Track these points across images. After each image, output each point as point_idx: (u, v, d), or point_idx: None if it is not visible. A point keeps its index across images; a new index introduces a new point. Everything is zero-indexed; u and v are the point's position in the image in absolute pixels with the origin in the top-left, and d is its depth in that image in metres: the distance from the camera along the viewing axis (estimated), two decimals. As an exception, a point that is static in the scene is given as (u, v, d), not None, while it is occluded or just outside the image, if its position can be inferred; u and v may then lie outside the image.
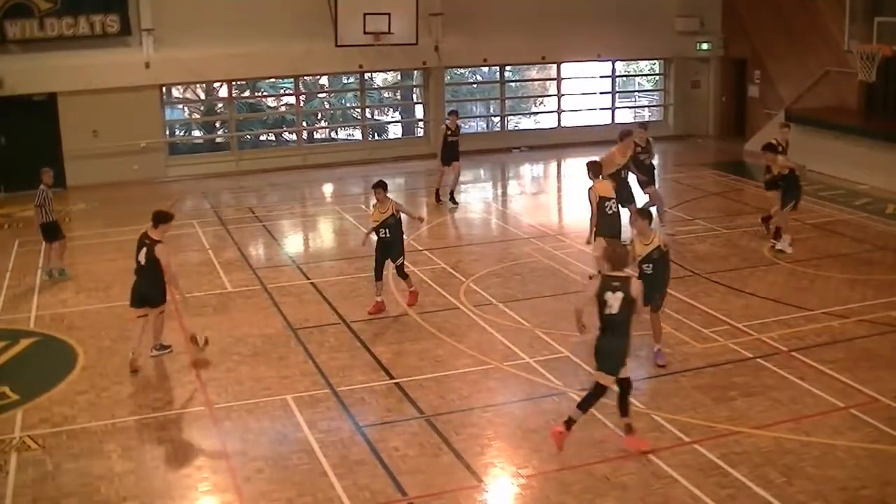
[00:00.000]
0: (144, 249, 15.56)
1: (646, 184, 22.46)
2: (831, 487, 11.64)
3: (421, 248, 22.00)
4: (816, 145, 29.10)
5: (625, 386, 12.55)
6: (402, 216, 18.03)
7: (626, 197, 20.37)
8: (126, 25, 29.52)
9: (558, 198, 28.86)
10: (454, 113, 26.72)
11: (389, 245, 17.93)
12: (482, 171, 32.27)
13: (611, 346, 12.29)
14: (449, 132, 25.71)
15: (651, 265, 14.99)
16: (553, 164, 33.31)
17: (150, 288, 15.69)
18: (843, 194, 24.39)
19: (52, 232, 20.46)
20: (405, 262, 18.27)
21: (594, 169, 18.94)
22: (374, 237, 18.06)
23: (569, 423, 12.45)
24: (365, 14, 30.41)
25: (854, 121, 30.63)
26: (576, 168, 32.81)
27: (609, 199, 18.72)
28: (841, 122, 30.29)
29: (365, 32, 30.64)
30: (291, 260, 21.65)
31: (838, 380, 14.72)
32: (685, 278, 19.77)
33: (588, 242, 19.36)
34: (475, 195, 28.36)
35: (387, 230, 17.82)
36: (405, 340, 16.58)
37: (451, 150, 25.77)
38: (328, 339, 16.64)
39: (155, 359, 15.90)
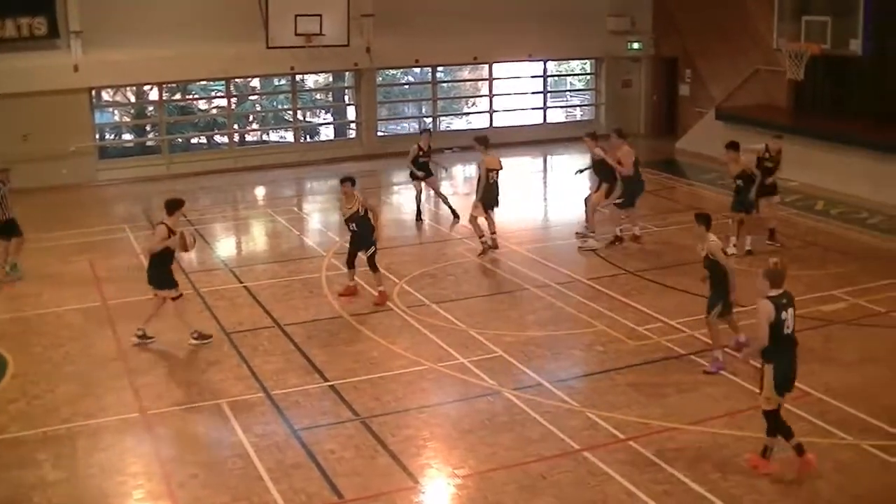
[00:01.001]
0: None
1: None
2: (765, 481, 11.86)
3: (354, 250, 22.01)
4: (746, 143, 29.35)
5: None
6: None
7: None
8: (54, 28, 29.13)
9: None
10: (427, 132, 26.09)
11: (359, 238, 18.47)
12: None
13: (793, 365, 11.87)
14: (421, 153, 24.87)
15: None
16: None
17: (151, 270, 16.61)
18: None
19: (10, 229, 20.39)
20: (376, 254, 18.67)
21: (483, 142, 21.74)
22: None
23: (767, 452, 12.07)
24: (296, 16, 30.26)
25: (783, 119, 30.99)
26: (508, 168, 32.95)
27: (492, 170, 21.39)
28: (771, 120, 30.56)
29: (296, 34, 30.49)
30: (224, 263, 21.55)
31: (771, 375, 14.92)
32: (618, 276, 19.97)
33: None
34: (407, 196, 28.35)
35: (354, 224, 18.31)
36: (339, 343, 16.59)
37: (423, 170, 25.00)
38: (262, 343, 16.61)
39: (87, 364, 15.79)
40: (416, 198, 25.20)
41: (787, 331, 11.62)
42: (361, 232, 18.40)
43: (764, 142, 21.04)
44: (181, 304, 16.79)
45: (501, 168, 21.76)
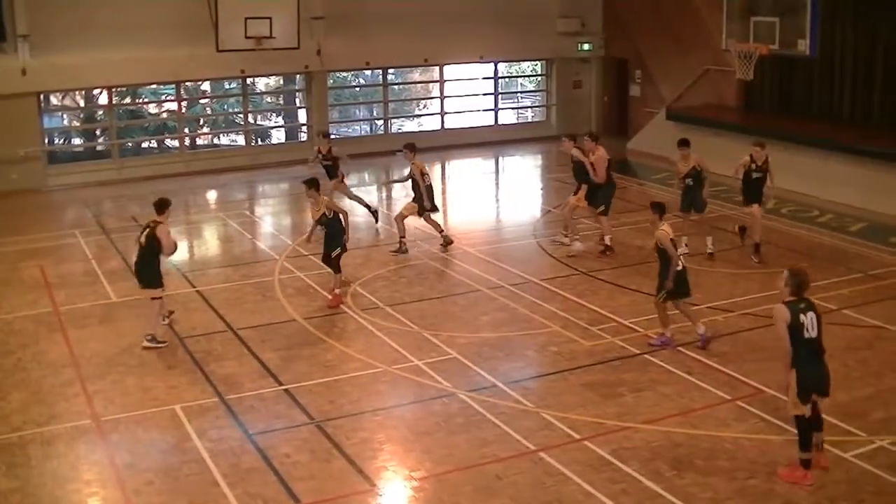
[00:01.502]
0: (147, 231, 16.64)
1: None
2: (720, 478, 11.93)
3: (307, 254, 21.91)
4: (697, 142, 29.41)
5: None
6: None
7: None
8: (1, 31, 28.87)
9: (443, 200, 28.89)
10: (326, 136, 25.67)
11: (329, 240, 18.61)
12: (366, 175, 32.26)
13: (819, 371, 11.76)
14: (321, 156, 24.64)
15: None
16: (437, 167, 33.39)
17: (143, 269, 16.75)
18: (725, 191, 24.83)
19: None
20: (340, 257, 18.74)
21: (412, 148, 22.22)
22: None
23: (807, 463, 11.92)
24: (246, 18, 30.10)
25: (733, 118, 31.30)
26: (460, 170, 33.07)
27: (425, 174, 21.96)
28: (721, 120, 30.94)
29: (246, 37, 30.33)
30: (176, 268, 21.40)
31: (724, 373, 15.08)
32: (571, 277, 20.04)
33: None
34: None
35: (324, 226, 18.49)
36: (293, 346, 16.54)
37: (326, 174, 24.55)
38: (215, 347, 16.53)
39: (39, 371, 15.65)
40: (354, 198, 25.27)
41: (807, 335, 11.51)
42: (331, 233, 18.50)
43: (748, 151, 21.01)
44: (159, 306, 16.85)
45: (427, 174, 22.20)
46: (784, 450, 12.58)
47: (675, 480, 11.87)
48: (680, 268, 15.91)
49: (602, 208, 21.83)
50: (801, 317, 11.51)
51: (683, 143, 20.98)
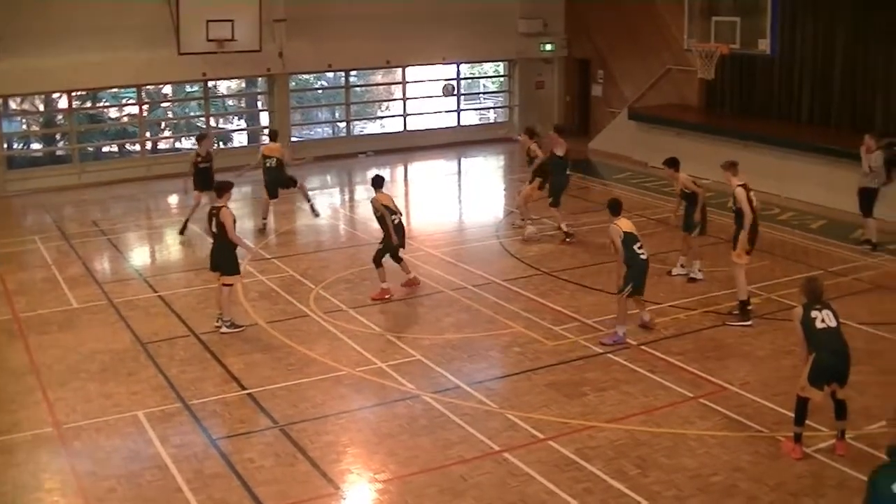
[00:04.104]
0: (214, 220, 17.33)
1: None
2: (684, 476, 12.00)
3: (269, 257, 21.90)
4: (658, 142, 29.79)
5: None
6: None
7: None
8: (-44, 36, 28.66)
9: (405, 202, 28.88)
10: (205, 137, 25.38)
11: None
12: (329, 177, 32.22)
13: (832, 360, 12.15)
14: (199, 158, 24.18)
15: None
16: (400, 168, 33.40)
17: (219, 256, 17.48)
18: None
19: None
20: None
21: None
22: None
23: (798, 437, 12.57)
24: (208, 21, 29.96)
25: (695, 117, 31.46)
26: (422, 171, 33.06)
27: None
28: (682, 119, 31.10)
29: (208, 40, 30.19)
30: (138, 273, 21.30)
31: (687, 370, 15.17)
32: (533, 277, 20.08)
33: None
34: (322, 201, 28.26)
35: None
36: (256, 350, 16.47)
37: (203, 177, 24.12)
38: (178, 353, 16.43)
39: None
40: (191, 210, 24.48)
41: (819, 325, 12.09)
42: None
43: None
44: (231, 292, 17.66)
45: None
46: (748, 445, 12.70)
47: (639, 479, 11.92)
48: (645, 257, 16.39)
49: (552, 199, 22.53)
50: (814, 312, 12.16)
51: (666, 164, 19.96)
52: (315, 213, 25.08)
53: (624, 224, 16.53)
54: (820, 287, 12.50)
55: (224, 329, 17.27)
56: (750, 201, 17.03)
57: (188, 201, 24.62)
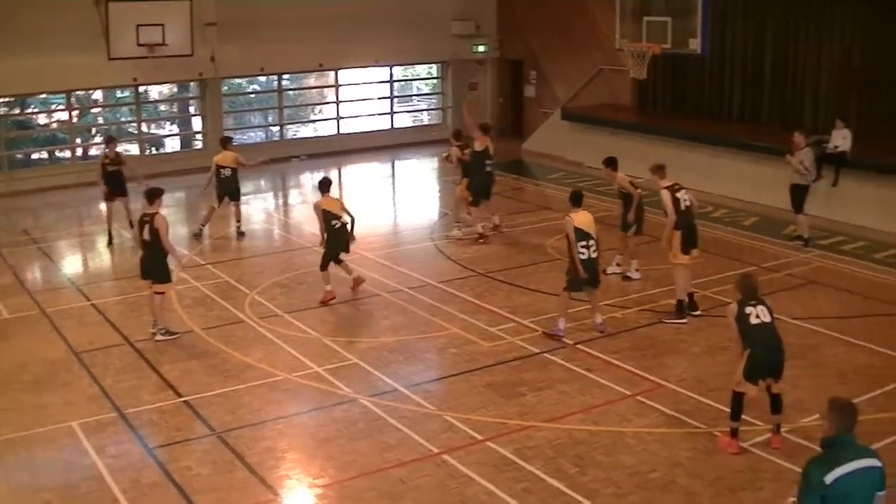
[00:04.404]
0: (146, 227, 17.01)
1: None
2: (622, 473, 12.09)
3: (204, 263, 21.75)
4: (592, 142, 29.97)
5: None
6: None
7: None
8: None
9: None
10: (113, 140, 25.07)
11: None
12: (262, 182, 32.04)
13: (766, 356, 12.26)
14: (107, 160, 23.81)
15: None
16: (333, 172, 33.29)
17: (150, 263, 17.27)
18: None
19: None
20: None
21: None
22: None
23: (734, 432, 12.71)
24: (138, 25, 29.67)
25: (628, 117, 31.70)
26: (356, 174, 33.00)
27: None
28: (616, 119, 31.30)
29: (138, 44, 29.91)
30: (70, 281, 21.08)
31: (623, 368, 15.29)
32: (469, 279, 20.12)
33: None
34: (256, 206, 28.15)
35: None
36: (192, 357, 16.35)
37: (114, 181, 23.91)
38: (113, 361, 16.27)
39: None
40: (107, 220, 24.24)
41: (754, 321, 12.17)
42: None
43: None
44: (164, 299, 17.42)
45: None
46: (685, 441, 12.82)
47: (577, 477, 11.98)
48: (585, 257, 16.29)
49: (471, 199, 22.87)
50: (748, 308, 12.24)
51: (604, 163, 20.17)
52: (240, 235, 24.45)
53: (578, 218, 16.50)
54: (754, 283, 12.56)
55: (159, 337, 17.11)
56: (676, 202, 17.20)
57: (117, 207, 24.25)
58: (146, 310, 18.11)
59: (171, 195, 29.11)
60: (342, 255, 19.25)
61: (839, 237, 22.72)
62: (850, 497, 7.49)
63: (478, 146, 22.94)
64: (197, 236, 24.04)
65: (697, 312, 17.60)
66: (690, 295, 17.66)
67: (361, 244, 22.21)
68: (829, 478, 7.41)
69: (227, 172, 23.84)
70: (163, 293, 17.40)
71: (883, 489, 7.66)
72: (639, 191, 19.55)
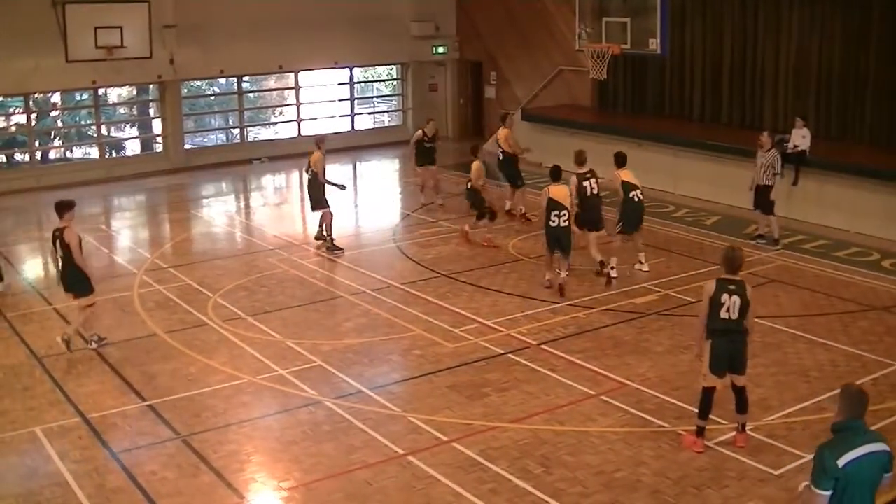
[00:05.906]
0: (58, 241, 16.65)
1: None
2: (588, 473, 12.11)
3: (165, 266, 21.64)
4: (552, 142, 30.02)
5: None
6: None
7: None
8: None
9: (301, 207, 28.73)
10: None
11: None
12: (224, 184, 31.93)
13: (729, 349, 12.29)
14: None
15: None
16: (294, 174, 33.18)
17: (71, 278, 16.80)
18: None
19: None
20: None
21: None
22: None
23: (700, 431, 12.69)
24: (96, 28, 29.44)
25: (587, 117, 31.77)
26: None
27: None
28: (575, 119, 31.35)
29: (97, 47, 29.68)
30: (31, 286, 20.93)
31: (587, 368, 15.32)
32: (431, 280, 20.11)
33: None
34: (218, 209, 28.05)
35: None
36: (154, 361, 16.25)
37: None
38: (75, 366, 16.15)
39: None
40: None
41: (724, 314, 12.06)
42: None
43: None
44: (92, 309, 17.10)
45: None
46: (650, 440, 12.87)
47: (543, 477, 12.01)
48: (555, 225, 18.43)
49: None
50: (724, 296, 12.06)
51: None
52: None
53: (553, 190, 18.58)
54: (738, 258, 12.35)
55: (93, 345, 16.86)
56: (582, 189, 19.44)
57: (83, 211, 24.08)
58: (108, 313, 18.07)
59: (132, 198, 29.12)
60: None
61: (800, 236, 22.88)
62: (860, 479, 7.79)
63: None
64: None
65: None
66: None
67: (323, 246, 22.21)
68: (842, 461, 7.69)
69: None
70: (91, 304, 17.06)
71: (891, 471, 7.98)
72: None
